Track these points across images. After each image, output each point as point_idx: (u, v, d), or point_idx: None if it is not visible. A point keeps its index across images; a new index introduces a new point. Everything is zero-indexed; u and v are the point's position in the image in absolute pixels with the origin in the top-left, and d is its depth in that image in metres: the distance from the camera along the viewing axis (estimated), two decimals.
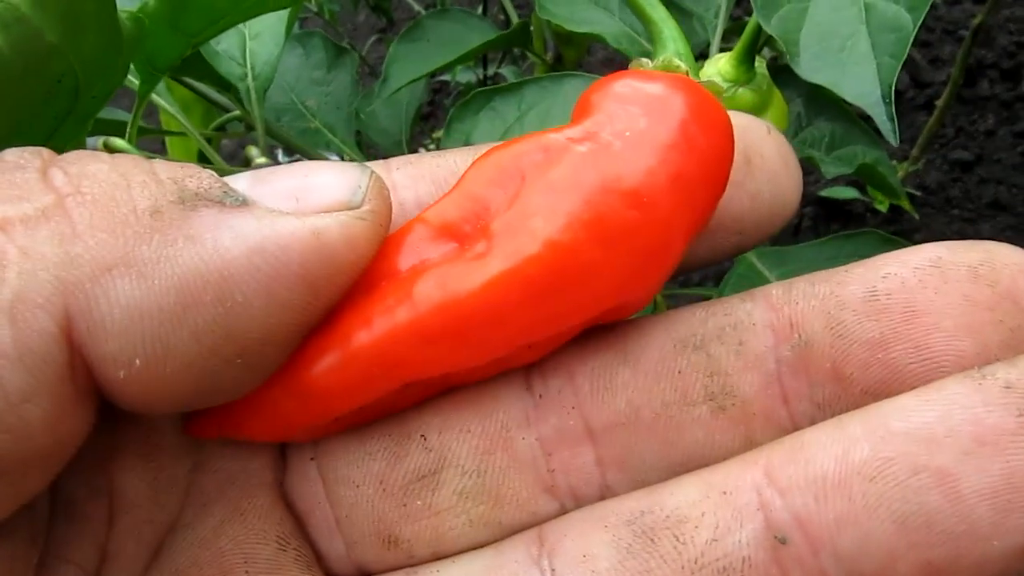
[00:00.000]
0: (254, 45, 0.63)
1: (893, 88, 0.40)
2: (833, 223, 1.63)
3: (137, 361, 0.23)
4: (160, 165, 0.25)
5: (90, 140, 0.51)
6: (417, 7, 1.52)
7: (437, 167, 0.32)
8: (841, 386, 0.28)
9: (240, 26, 0.62)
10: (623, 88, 0.29)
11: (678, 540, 0.27)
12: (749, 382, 0.29)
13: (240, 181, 0.25)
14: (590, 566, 0.27)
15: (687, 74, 0.31)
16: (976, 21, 1.31)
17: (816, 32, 0.43)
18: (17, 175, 0.23)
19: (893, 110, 0.39)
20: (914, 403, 0.25)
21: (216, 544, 0.28)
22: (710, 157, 0.28)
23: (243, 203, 0.24)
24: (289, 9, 0.60)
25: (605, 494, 0.30)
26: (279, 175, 0.26)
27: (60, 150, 0.42)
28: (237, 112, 0.73)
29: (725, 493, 0.27)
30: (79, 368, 0.23)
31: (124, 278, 0.22)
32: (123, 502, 0.28)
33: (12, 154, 0.24)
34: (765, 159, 0.31)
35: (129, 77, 0.50)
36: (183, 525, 0.29)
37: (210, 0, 0.39)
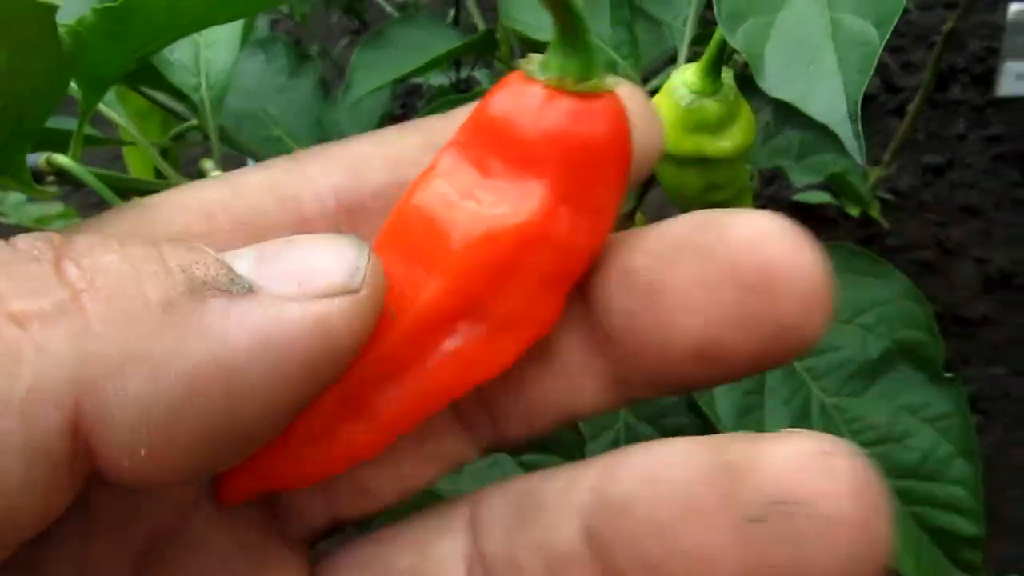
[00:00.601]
0: (209, 54, 0.61)
1: (859, 105, 0.39)
2: (806, 227, 1.63)
3: (142, 451, 0.23)
4: (168, 251, 0.25)
5: (31, 157, 0.49)
6: (389, 9, 1.51)
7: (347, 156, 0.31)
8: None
9: (194, 35, 0.60)
10: (517, 105, 0.26)
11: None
12: None
13: (243, 261, 0.26)
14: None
15: (597, 84, 0.27)
16: (947, 26, 1.32)
17: (781, 46, 0.42)
18: (32, 267, 0.23)
19: (860, 127, 0.38)
20: (638, 459, 0.25)
21: (210, 540, 0.29)
22: (616, 166, 0.27)
23: (249, 290, 0.25)
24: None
25: None
26: (281, 255, 0.26)
27: (1, 171, 0.40)
28: (195, 121, 0.71)
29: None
30: (80, 455, 0.23)
31: (136, 375, 0.23)
32: (100, 517, 0.28)
33: (24, 242, 0.24)
34: (631, 114, 0.29)
35: (74, 86, 0.48)
36: (170, 530, 0.29)
37: (148, 15, 0.37)
